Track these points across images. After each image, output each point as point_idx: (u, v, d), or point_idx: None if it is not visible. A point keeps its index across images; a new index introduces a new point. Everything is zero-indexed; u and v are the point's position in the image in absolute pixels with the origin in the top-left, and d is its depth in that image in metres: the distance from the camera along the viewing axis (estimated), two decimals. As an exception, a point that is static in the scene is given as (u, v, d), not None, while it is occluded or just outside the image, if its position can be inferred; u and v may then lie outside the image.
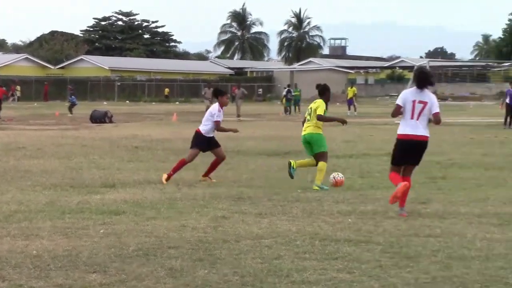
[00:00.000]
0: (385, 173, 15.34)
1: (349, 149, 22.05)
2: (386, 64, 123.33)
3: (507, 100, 35.06)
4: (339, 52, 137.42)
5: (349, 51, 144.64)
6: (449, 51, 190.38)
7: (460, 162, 18.05)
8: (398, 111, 10.99)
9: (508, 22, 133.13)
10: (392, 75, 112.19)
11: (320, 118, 13.76)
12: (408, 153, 10.90)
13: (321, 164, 13.73)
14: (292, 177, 14.09)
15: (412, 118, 10.79)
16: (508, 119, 34.69)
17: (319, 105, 13.83)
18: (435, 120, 10.88)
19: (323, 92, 14.22)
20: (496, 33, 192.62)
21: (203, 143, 14.77)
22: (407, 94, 10.97)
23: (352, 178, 15.27)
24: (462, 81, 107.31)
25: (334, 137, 27.11)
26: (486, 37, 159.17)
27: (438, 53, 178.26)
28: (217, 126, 14.75)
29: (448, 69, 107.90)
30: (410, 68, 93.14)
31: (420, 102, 10.78)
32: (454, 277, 7.36)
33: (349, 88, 55.88)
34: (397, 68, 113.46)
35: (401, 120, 11.02)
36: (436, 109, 10.84)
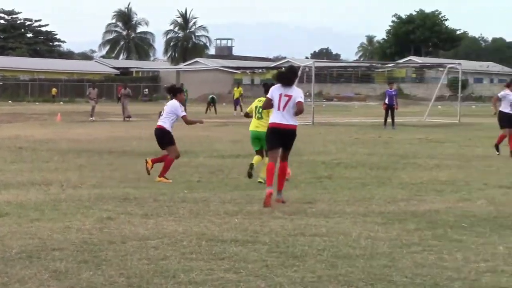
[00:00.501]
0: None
1: (236, 149, 22.08)
2: (272, 64, 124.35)
3: (386, 101, 35.97)
4: (225, 52, 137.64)
5: (236, 52, 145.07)
6: (334, 52, 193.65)
7: (345, 162, 18.30)
8: (269, 103, 12.30)
9: (391, 24, 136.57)
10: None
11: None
12: (277, 139, 12.09)
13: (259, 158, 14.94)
14: (250, 176, 14.78)
15: (279, 109, 12.05)
16: (390, 120, 35.51)
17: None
18: (297, 108, 11.98)
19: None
20: (380, 35, 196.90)
21: (172, 137, 15.29)
22: (275, 89, 12.20)
23: (238, 178, 15.29)
24: (347, 82, 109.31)
25: (220, 137, 27.16)
26: (370, 38, 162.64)
27: (324, 53, 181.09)
28: (186, 120, 15.36)
29: (333, 69, 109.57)
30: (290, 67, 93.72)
31: (286, 95, 12.03)
32: (340, 276, 7.43)
33: (235, 89, 56.14)
34: (283, 68, 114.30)
35: (272, 112, 12.30)
36: (299, 99, 12.02)
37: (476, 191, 13.53)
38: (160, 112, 15.56)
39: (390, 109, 35.71)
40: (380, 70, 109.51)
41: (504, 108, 21.07)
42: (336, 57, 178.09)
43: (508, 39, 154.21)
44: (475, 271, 7.59)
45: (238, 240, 9.04)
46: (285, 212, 11.08)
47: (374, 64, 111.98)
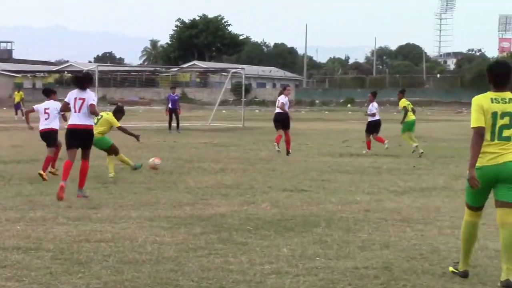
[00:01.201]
0: (55, 179, 15.12)
1: (18, 154, 21.40)
2: (55, 68, 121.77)
3: (170, 105, 36.22)
4: (5, 56, 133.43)
5: (17, 55, 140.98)
6: (118, 56, 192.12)
7: (125, 167, 18.08)
8: (66, 107, 13.51)
9: (175, 28, 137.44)
10: (61, 79, 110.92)
11: None
12: (75, 139, 13.15)
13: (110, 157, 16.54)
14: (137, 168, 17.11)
15: (75, 111, 13.17)
16: (175, 124, 35.69)
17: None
18: (91, 110, 13.20)
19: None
20: (164, 39, 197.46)
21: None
22: (71, 94, 13.33)
23: (21, 184, 14.81)
24: (132, 86, 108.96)
25: (1, 142, 26.20)
26: (154, 43, 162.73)
27: (107, 57, 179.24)
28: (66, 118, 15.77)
29: (117, 73, 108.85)
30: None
31: (80, 98, 13.21)
32: (126, 281, 7.33)
33: (16, 93, 54.35)
34: (66, 72, 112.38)
35: (70, 114, 13.30)
36: (92, 102, 13.21)
37: (261, 194, 13.81)
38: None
39: (173, 113, 35.95)
40: (164, 74, 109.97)
41: (278, 109, 22.59)
42: (120, 61, 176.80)
43: (289, 45, 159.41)
44: (260, 273, 7.71)
45: (20, 247, 8.75)
46: (70, 218, 10.85)
47: (158, 69, 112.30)
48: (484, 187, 7.41)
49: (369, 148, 23.95)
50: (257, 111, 76.09)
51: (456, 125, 45.69)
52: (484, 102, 7.39)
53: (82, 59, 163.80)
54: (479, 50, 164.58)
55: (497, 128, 7.35)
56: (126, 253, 8.57)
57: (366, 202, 12.76)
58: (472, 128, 7.36)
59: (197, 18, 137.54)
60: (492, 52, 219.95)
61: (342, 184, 15.33)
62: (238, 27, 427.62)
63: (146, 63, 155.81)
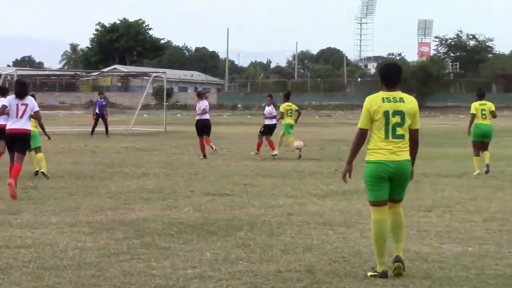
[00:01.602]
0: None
1: None
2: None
3: (97, 110, 35.89)
4: None
5: None
6: (37, 60, 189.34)
7: (52, 171, 17.83)
8: (3, 111, 14.14)
9: (95, 32, 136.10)
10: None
11: None
12: (15, 142, 13.99)
13: (40, 154, 17.19)
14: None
15: (17, 117, 14.05)
16: (99, 128, 35.37)
17: None
18: (36, 116, 14.65)
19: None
20: (84, 43, 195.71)
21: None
22: (12, 99, 14.23)
23: None
24: (51, 90, 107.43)
25: None
26: (74, 47, 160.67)
27: (26, 62, 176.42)
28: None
29: (36, 78, 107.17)
30: (19, 79, 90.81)
31: (23, 104, 14.16)
32: (46, 287, 7.24)
33: None
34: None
35: (9, 119, 14.10)
36: (36, 108, 14.43)
37: (183, 198, 13.76)
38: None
39: (101, 118, 35.64)
40: (85, 78, 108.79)
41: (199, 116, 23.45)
42: (39, 65, 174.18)
43: (211, 49, 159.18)
44: (183, 278, 7.68)
45: None
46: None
47: (78, 73, 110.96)
48: (381, 182, 7.82)
49: (258, 149, 24.72)
50: (179, 115, 75.88)
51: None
52: (375, 102, 7.82)
53: (0, 63, 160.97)
54: (399, 54, 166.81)
55: (390, 127, 7.75)
56: (47, 259, 8.44)
57: (289, 206, 12.82)
58: (359, 127, 7.91)
59: (118, 22, 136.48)
60: (412, 56, 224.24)
61: (265, 188, 15.38)
62: (159, 31, 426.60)
63: (66, 67, 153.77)
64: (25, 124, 14.16)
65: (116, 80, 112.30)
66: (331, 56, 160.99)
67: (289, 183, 16.36)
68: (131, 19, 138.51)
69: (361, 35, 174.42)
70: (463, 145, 29.51)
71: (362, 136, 7.88)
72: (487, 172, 18.01)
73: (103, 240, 9.62)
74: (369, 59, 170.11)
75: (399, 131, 7.77)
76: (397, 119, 7.76)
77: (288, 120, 24.34)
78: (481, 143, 18.60)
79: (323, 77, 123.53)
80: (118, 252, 8.86)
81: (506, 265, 8.28)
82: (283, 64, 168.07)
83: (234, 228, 10.58)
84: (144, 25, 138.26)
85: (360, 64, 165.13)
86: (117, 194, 14.29)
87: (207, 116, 23.40)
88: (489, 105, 18.61)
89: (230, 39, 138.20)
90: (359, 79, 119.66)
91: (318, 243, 9.51)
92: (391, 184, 7.85)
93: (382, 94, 7.88)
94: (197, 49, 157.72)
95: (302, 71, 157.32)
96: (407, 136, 7.84)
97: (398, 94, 7.87)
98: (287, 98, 24.98)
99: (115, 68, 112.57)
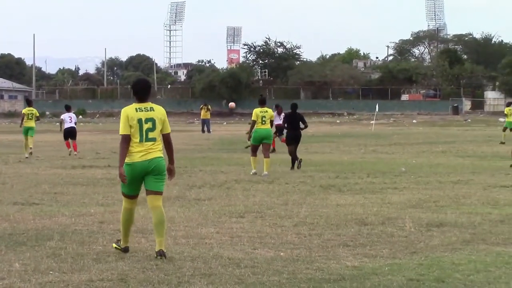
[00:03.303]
0: None
1: None
2: None
3: None
4: None
5: None
6: None
7: None
8: None
9: None
10: None
11: None
12: None
13: None
14: None
15: None
16: None
17: None
18: None
19: None
20: None
21: None
22: None
23: None
24: None
25: None
26: None
27: None
28: None
29: None
30: None
31: None
32: None
33: None
34: None
35: None
36: None
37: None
38: None
39: None
40: None
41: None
42: None
43: (16, 55, 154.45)
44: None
45: None
46: None
47: None
48: (135, 180, 9.14)
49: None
50: (-16, 122, 73.22)
51: (188, 136, 46.53)
52: (129, 112, 9.16)
53: None
54: (209, 61, 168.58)
55: (144, 132, 9.10)
56: None
57: (100, 214, 12.62)
58: (121, 134, 9.11)
59: None
60: (221, 63, 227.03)
61: (75, 196, 15.09)
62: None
63: None
64: None
65: None
66: (141, 63, 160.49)
67: (99, 191, 16.12)
68: None
69: (170, 42, 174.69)
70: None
71: (125, 141, 9.08)
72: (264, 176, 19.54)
73: None
74: (179, 66, 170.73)
75: (151, 135, 9.14)
76: (149, 125, 9.14)
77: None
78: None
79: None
80: None
81: (316, 268, 8.48)
82: (92, 71, 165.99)
83: (44, 238, 10.30)
84: None
85: (170, 71, 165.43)
86: None
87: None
88: (270, 113, 21.00)
89: (37, 45, 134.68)
90: (169, 86, 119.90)
91: (131, 251, 9.39)
92: (148, 179, 9.14)
93: (135, 105, 9.24)
94: (2, 55, 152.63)
95: (111, 78, 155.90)
96: (158, 139, 9.22)
97: (149, 104, 9.26)
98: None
99: None
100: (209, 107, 51.94)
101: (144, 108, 9.18)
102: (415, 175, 19.61)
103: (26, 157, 26.20)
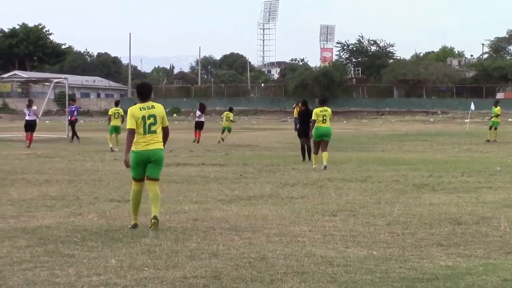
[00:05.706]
0: None
1: None
2: None
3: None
4: None
5: None
6: None
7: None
8: None
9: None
10: None
11: None
12: None
13: None
14: None
15: None
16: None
17: None
18: None
19: None
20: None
21: None
22: None
23: None
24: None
25: None
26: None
27: None
28: None
29: None
30: None
31: None
32: None
33: None
34: None
35: None
36: None
37: (87, 205, 13.58)
38: None
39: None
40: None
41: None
42: None
43: (113, 54, 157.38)
44: (88, 285, 7.58)
45: None
46: None
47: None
48: (140, 165, 10.98)
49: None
50: (81, 121, 74.83)
51: (281, 134, 46.64)
52: (134, 111, 11.00)
53: None
54: (302, 60, 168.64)
55: (147, 126, 10.94)
56: None
57: (194, 211, 12.78)
58: (127, 129, 10.97)
59: (17, 27, 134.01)
60: (314, 61, 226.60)
61: (170, 194, 15.29)
62: (60, 36, 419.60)
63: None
64: None
65: (17, 86, 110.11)
66: (234, 62, 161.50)
67: (194, 188, 16.31)
68: (31, 24, 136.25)
69: (263, 40, 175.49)
70: (366, 149, 30.06)
71: (131, 134, 10.94)
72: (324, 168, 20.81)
73: (5, 248, 9.42)
74: (272, 64, 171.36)
75: (153, 128, 10.97)
76: (151, 120, 10.97)
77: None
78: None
79: (227, 82, 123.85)
80: (21, 261, 8.69)
81: (409, 268, 8.43)
82: (186, 69, 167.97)
83: (139, 235, 10.49)
84: (44, 30, 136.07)
85: (264, 69, 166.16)
86: (19, 201, 14.01)
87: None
88: (329, 111, 22.17)
89: (132, 44, 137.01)
90: (262, 84, 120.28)
91: (224, 249, 9.50)
92: (149, 166, 10.99)
93: (139, 105, 11.08)
94: (99, 54, 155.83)
95: (205, 76, 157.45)
96: (159, 132, 11.04)
97: (150, 103, 11.10)
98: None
99: (15, 74, 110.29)
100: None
101: (147, 107, 11.06)
102: (510, 174, 19.26)
103: (111, 147, 29.99)
